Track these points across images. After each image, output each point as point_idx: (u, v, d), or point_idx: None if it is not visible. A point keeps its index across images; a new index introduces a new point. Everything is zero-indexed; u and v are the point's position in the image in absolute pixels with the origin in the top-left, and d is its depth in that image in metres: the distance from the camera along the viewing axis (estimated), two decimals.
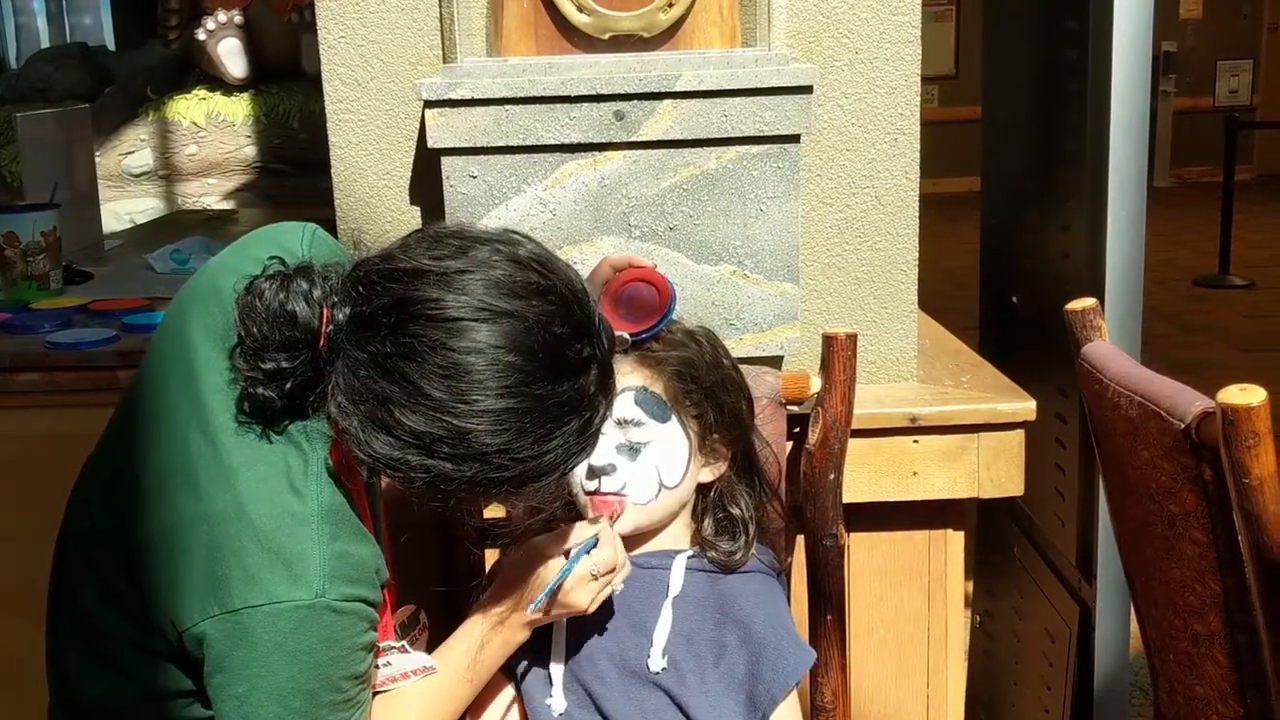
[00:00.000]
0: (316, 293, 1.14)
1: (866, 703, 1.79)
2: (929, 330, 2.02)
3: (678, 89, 1.58)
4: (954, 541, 1.77)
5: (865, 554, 1.76)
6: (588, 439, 1.19)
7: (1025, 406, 1.69)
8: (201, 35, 3.78)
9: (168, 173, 4.03)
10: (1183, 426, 1.25)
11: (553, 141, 1.60)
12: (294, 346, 1.13)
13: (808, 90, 1.59)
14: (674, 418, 1.43)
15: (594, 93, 1.58)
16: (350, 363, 1.12)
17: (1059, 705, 2.21)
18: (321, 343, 1.13)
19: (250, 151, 4.05)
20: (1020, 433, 1.69)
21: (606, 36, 1.64)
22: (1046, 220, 2.19)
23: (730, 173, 1.62)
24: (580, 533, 1.36)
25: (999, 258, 2.53)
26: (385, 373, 1.10)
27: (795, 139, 1.62)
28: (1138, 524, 1.45)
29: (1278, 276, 7.15)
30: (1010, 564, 2.44)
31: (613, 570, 1.35)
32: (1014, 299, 2.40)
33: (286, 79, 3.96)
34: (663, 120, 1.59)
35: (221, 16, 3.92)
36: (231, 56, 3.84)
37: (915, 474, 1.69)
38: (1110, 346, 1.55)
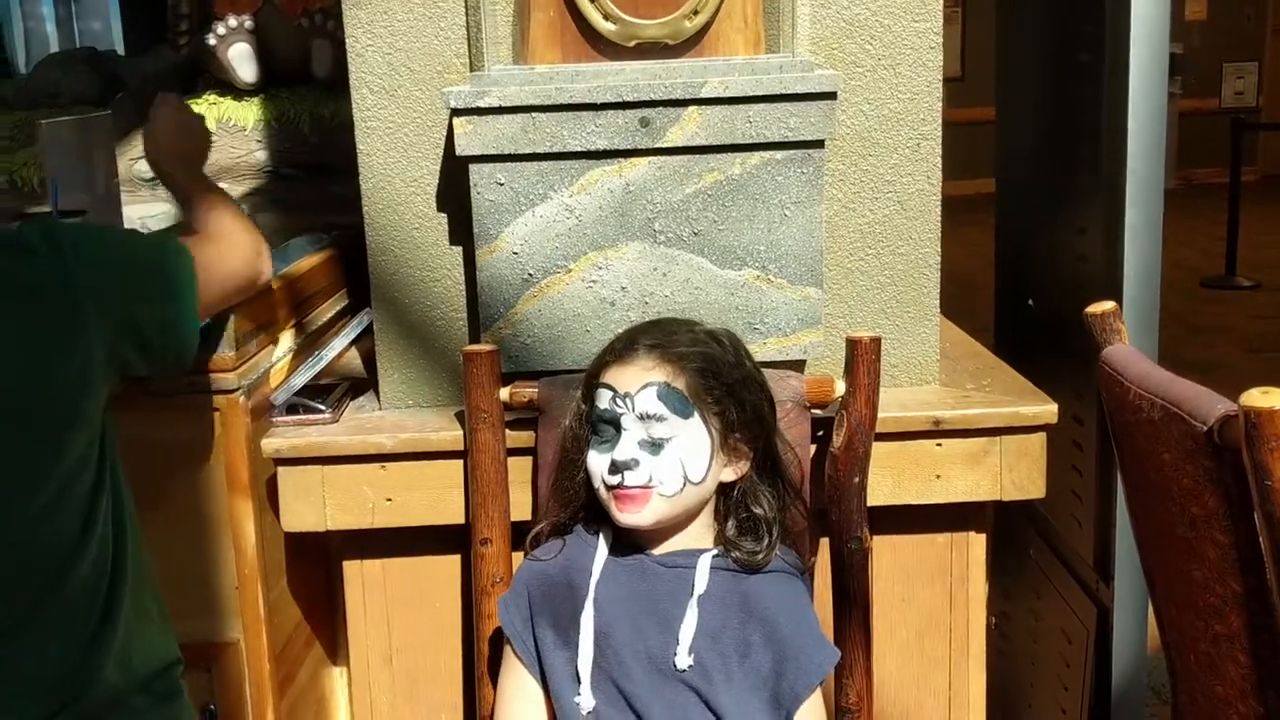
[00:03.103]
0: None
1: (889, 703, 1.81)
2: (948, 333, 2.03)
3: (703, 95, 1.59)
4: (976, 544, 1.78)
5: (888, 556, 1.77)
6: None
7: (1047, 409, 1.70)
8: (212, 40, 3.79)
9: None
10: (1205, 429, 1.26)
11: (579, 148, 1.62)
12: None
13: (832, 96, 1.60)
14: (696, 414, 1.45)
15: (620, 100, 1.60)
16: None
17: (1076, 706, 2.21)
18: None
19: (261, 156, 4.06)
20: (1042, 435, 1.70)
21: (632, 44, 1.65)
22: (1062, 224, 2.20)
23: (754, 178, 1.64)
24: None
25: (1014, 261, 2.54)
26: None
27: (819, 144, 1.63)
28: (1158, 525, 1.46)
29: None
30: (1026, 565, 2.45)
31: None
32: (1030, 302, 2.41)
33: (296, 83, 3.98)
34: (688, 126, 1.61)
35: (232, 21, 3.93)
36: (241, 61, 3.85)
37: (938, 477, 1.70)
38: (1130, 349, 1.56)
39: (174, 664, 1.42)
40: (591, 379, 1.51)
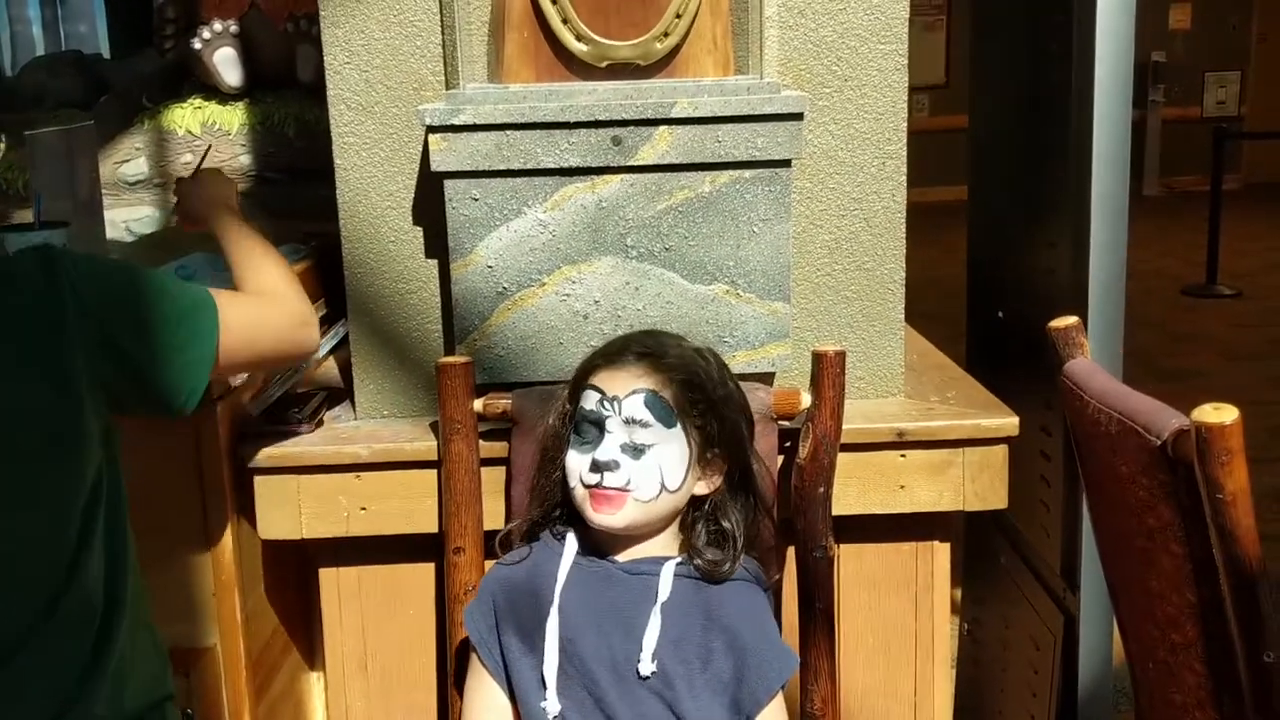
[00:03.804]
0: None
1: (855, 710, 1.84)
2: (916, 344, 2.06)
3: (673, 115, 1.63)
4: (940, 553, 1.82)
5: (854, 564, 1.80)
6: None
7: (1009, 422, 1.74)
8: (197, 44, 3.81)
9: (163, 181, 4.05)
10: (1159, 443, 1.29)
11: (552, 165, 1.65)
12: None
13: (799, 117, 1.63)
14: (679, 425, 1.48)
15: (592, 119, 1.63)
16: None
17: (1044, 712, 2.25)
18: None
19: (245, 160, 4.07)
20: (1004, 447, 1.74)
21: (604, 64, 1.68)
22: (1033, 237, 2.23)
23: (724, 196, 1.67)
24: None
25: (986, 273, 2.57)
26: None
27: (786, 164, 1.66)
28: (1118, 537, 1.49)
29: (1265, 286, 7.20)
30: (997, 573, 2.48)
31: None
32: (1000, 314, 2.44)
33: (281, 88, 3.99)
34: (659, 145, 1.64)
35: (217, 26, 3.95)
36: (227, 65, 3.87)
37: (902, 487, 1.74)
38: (1091, 364, 1.60)
39: (167, 698, 1.41)
40: (580, 379, 1.53)
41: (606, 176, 1.66)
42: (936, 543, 1.81)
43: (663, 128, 1.63)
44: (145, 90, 4.08)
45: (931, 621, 1.83)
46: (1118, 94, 1.92)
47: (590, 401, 1.50)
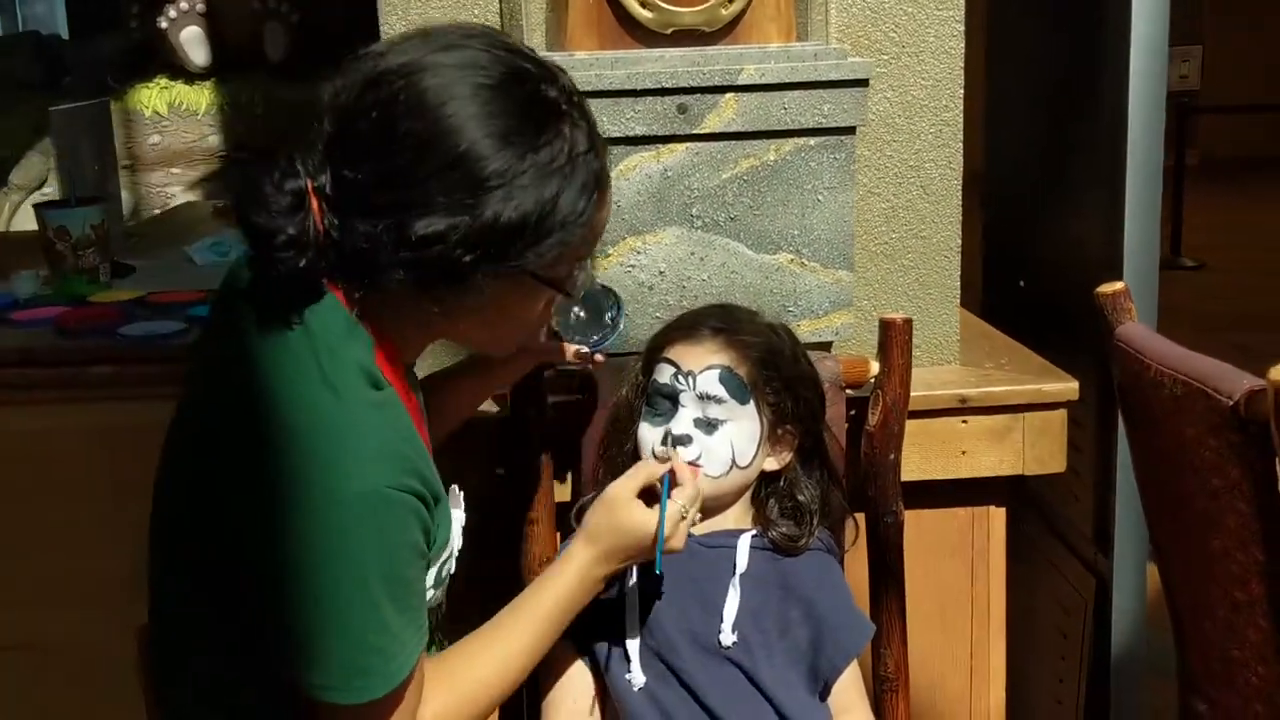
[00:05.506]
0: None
1: (914, 674, 1.84)
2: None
3: (740, 82, 1.62)
4: (996, 518, 1.83)
5: (911, 530, 1.80)
6: (584, 166, 1.20)
7: (1068, 387, 1.76)
8: (163, 23, 3.73)
9: (131, 163, 3.96)
10: (1231, 403, 1.31)
11: (617, 134, 1.63)
12: (293, 210, 1.12)
13: (864, 84, 1.64)
14: (752, 402, 1.48)
15: (658, 86, 1.62)
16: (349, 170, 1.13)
17: (1074, 677, 2.27)
18: (314, 202, 1.13)
19: (214, 140, 3.99)
20: (1063, 412, 1.76)
21: (669, 31, 1.67)
22: (1060, 206, 2.24)
23: (789, 164, 1.67)
24: (650, 470, 1.40)
25: (1006, 243, 2.58)
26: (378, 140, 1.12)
27: (851, 131, 1.67)
28: (1175, 498, 1.51)
29: (1227, 258, 7.30)
30: (1020, 541, 2.50)
31: (694, 501, 1.39)
32: (1020, 283, 2.46)
33: (248, 67, 3.90)
34: (725, 113, 1.64)
35: (184, 4, 3.87)
36: (193, 44, 3.79)
37: (964, 453, 1.75)
38: (1144, 327, 1.61)
39: None
40: (654, 352, 1.53)
41: (672, 145, 1.65)
42: (993, 508, 1.83)
43: (729, 95, 1.63)
44: (110, 71, 3.99)
45: (987, 586, 1.85)
46: (1154, 54, 1.92)
47: (664, 375, 1.49)
